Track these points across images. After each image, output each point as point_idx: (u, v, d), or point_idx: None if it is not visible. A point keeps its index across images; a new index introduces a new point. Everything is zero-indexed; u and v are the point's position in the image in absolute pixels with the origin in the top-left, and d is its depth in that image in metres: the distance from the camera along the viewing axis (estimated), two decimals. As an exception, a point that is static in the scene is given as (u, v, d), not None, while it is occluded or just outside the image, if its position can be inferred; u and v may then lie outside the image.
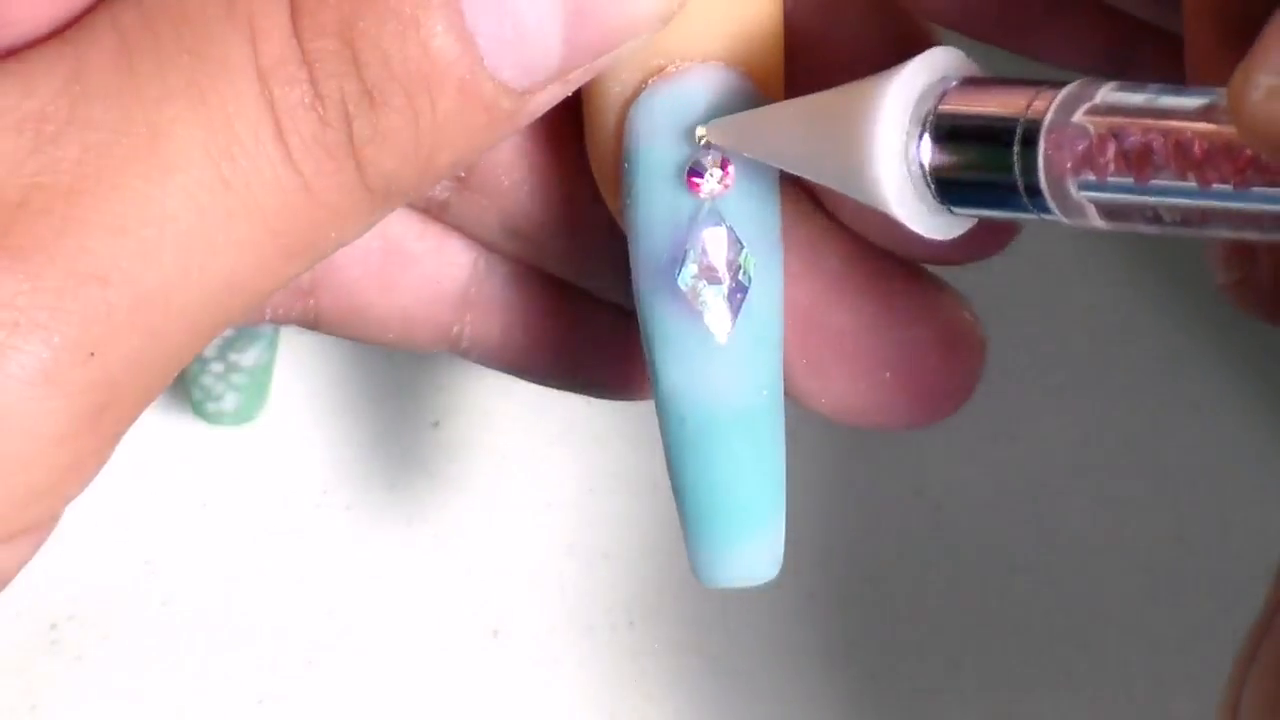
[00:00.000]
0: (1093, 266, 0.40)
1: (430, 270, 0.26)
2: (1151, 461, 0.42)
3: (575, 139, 0.24)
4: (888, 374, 0.24)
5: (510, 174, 0.25)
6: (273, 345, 0.38)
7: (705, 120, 0.22)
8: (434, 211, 0.26)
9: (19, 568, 0.21)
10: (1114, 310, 0.41)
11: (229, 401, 0.38)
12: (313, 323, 0.27)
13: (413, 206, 0.26)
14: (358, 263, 0.26)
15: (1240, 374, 0.41)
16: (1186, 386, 0.41)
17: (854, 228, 0.24)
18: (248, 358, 0.37)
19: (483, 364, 0.27)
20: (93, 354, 0.19)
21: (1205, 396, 0.41)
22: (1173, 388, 0.41)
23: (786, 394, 0.24)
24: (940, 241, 0.22)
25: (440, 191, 0.25)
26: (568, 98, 0.22)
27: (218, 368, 0.38)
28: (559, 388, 0.28)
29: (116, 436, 0.21)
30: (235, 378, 0.38)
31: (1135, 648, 0.42)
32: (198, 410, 0.38)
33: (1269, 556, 0.42)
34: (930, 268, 0.25)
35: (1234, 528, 0.42)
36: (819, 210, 0.24)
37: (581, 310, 0.27)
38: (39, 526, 0.21)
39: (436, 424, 0.40)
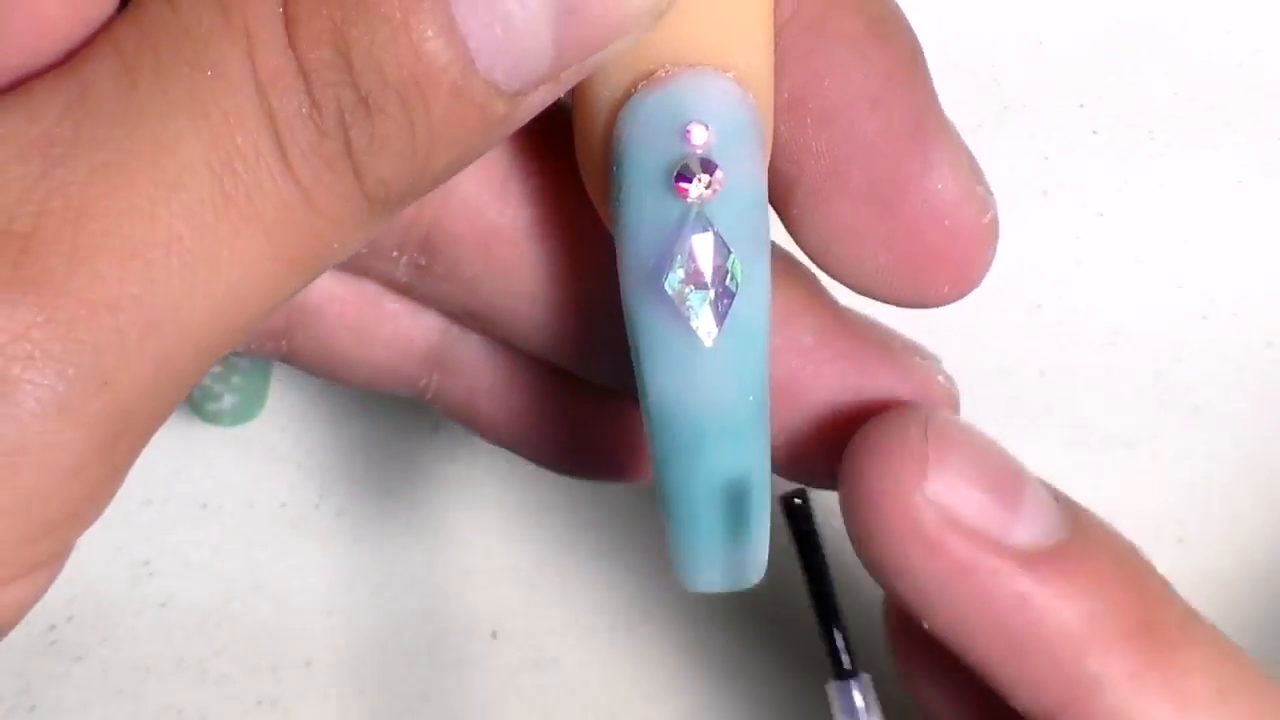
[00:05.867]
0: (1087, 266, 0.40)
1: (403, 328, 0.27)
2: (1150, 462, 0.42)
3: (535, 235, 0.24)
4: None
5: (472, 266, 0.25)
6: (269, 347, 0.38)
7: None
8: (398, 289, 0.26)
9: (35, 601, 0.21)
10: (1110, 310, 0.41)
11: (227, 402, 0.38)
12: (285, 359, 0.27)
13: (381, 281, 0.26)
14: (333, 314, 0.26)
15: (1239, 374, 0.41)
16: (1186, 386, 0.41)
17: (823, 261, 0.24)
18: (245, 358, 0.37)
19: (449, 418, 0.28)
20: (106, 383, 0.19)
21: (1205, 396, 0.41)
22: (1172, 387, 0.41)
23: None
24: (915, 284, 0.23)
25: (401, 275, 0.25)
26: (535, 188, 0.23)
27: (216, 368, 0.38)
28: (521, 456, 0.28)
29: (128, 464, 0.21)
30: (234, 378, 0.38)
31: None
32: (196, 410, 0.38)
33: (1269, 556, 0.42)
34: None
35: (1234, 527, 0.42)
36: (792, 275, 0.24)
37: (548, 386, 0.27)
38: (54, 559, 0.21)
39: (436, 426, 0.40)
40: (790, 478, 0.25)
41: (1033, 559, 0.23)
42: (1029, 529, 0.23)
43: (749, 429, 0.22)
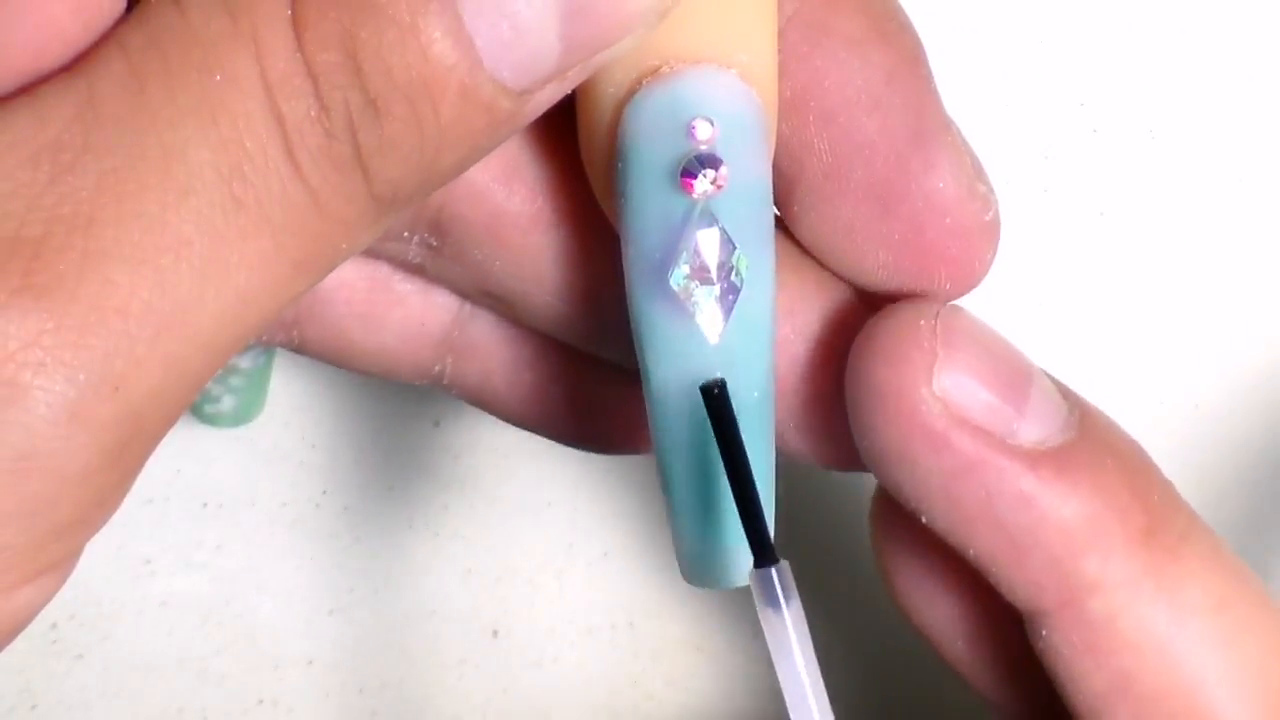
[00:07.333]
0: (1087, 266, 0.40)
1: (415, 311, 0.27)
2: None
3: (544, 219, 0.24)
4: None
5: (481, 249, 0.25)
6: (270, 348, 0.38)
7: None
8: (411, 270, 0.26)
9: (44, 604, 0.21)
10: (1110, 309, 0.41)
11: (226, 404, 0.38)
12: (297, 349, 0.27)
13: (392, 263, 0.26)
14: (343, 300, 0.26)
15: (1239, 373, 0.41)
16: (1186, 385, 0.41)
17: (824, 259, 0.24)
18: (245, 360, 0.37)
19: (464, 400, 0.28)
20: (117, 389, 0.19)
21: (1205, 395, 0.41)
22: (1172, 386, 0.41)
23: (778, 447, 0.24)
24: (916, 282, 0.23)
25: (413, 255, 0.25)
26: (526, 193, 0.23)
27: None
28: (535, 432, 0.28)
29: (138, 467, 0.21)
30: (232, 380, 0.38)
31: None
32: (195, 412, 0.38)
33: (1269, 557, 0.42)
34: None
35: (1234, 527, 0.42)
36: (798, 261, 0.24)
37: (562, 362, 0.27)
38: (63, 563, 0.21)
39: (437, 424, 0.40)
40: (801, 459, 0.25)
41: (1037, 458, 0.23)
42: (1035, 428, 0.23)
43: (755, 424, 0.22)
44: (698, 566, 0.24)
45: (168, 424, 0.20)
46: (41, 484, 0.19)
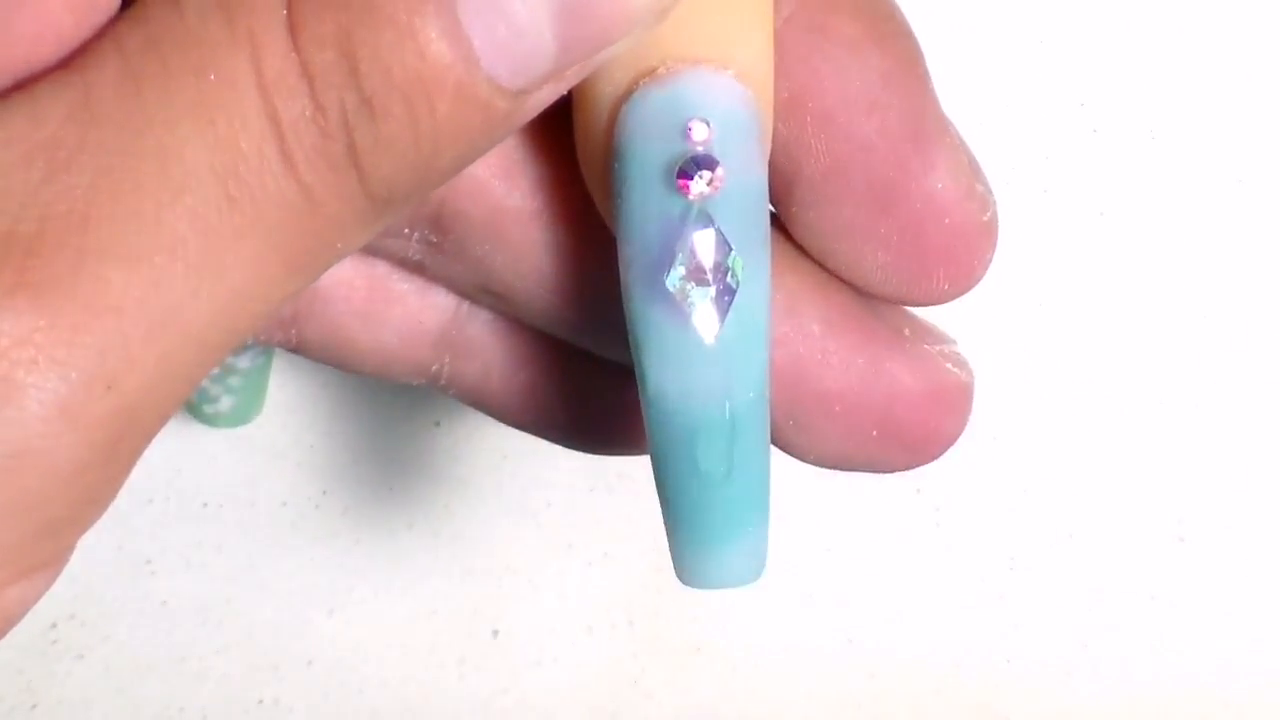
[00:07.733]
0: (1087, 266, 0.40)
1: (413, 309, 0.27)
2: (1150, 462, 0.42)
3: (544, 215, 0.24)
4: (875, 431, 0.25)
5: (481, 245, 0.25)
6: (269, 348, 0.38)
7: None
8: (410, 268, 0.26)
9: (35, 602, 0.21)
10: (1110, 309, 0.41)
11: (224, 404, 0.38)
12: (295, 349, 0.27)
13: (392, 260, 0.26)
14: (342, 298, 0.26)
15: (1239, 373, 0.41)
16: (1185, 385, 0.41)
17: (822, 259, 0.24)
18: (243, 360, 0.37)
19: (462, 401, 0.28)
20: (109, 386, 0.19)
21: (1205, 395, 0.41)
22: (1171, 386, 0.41)
23: (775, 446, 0.24)
24: (915, 282, 0.23)
25: (414, 252, 0.25)
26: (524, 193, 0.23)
27: (213, 370, 0.38)
28: (534, 434, 0.28)
29: (130, 465, 0.20)
30: (231, 380, 0.38)
31: (1134, 647, 0.42)
32: (193, 413, 0.38)
33: (1269, 556, 0.42)
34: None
35: (1234, 527, 0.42)
36: (797, 261, 0.24)
37: (560, 361, 0.27)
38: (54, 561, 0.21)
39: (438, 424, 0.40)
40: (798, 458, 0.25)
41: None
42: None
43: (749, 425, 0.22)
44: (693, 568, 0.23)
45: (161, 422, 0.20)
46: (33, 481, 0.19)
